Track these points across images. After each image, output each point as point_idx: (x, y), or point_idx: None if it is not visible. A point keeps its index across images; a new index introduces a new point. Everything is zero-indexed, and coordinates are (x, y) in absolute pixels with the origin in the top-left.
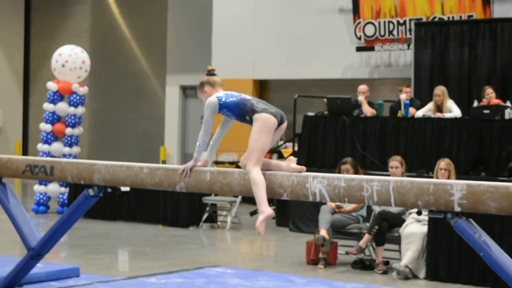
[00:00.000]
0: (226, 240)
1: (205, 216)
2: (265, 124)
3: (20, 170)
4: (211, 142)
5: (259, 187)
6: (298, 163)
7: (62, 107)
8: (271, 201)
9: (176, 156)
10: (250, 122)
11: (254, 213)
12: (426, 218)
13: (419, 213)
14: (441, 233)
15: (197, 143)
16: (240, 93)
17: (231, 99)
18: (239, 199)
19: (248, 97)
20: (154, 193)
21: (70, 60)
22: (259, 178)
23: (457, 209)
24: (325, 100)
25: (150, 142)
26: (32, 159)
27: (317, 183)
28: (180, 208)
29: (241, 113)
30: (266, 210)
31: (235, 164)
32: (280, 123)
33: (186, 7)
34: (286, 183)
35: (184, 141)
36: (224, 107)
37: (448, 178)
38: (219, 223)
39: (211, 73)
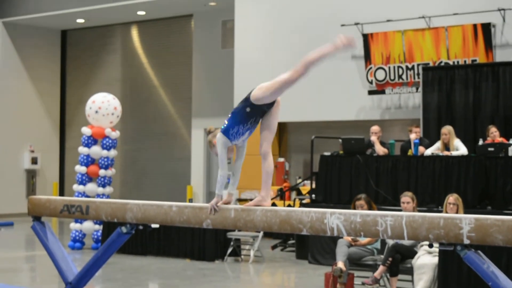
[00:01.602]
0: (249, 272)
1: (229, 250)
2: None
3: (58, 210)
4: (230, 177)
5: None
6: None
7: (96, 150)
8: (291, 235)
9: (202, 195)
10: (254, 109)
11: (275, 246)
12: (437, 250)
13: (430, 245)
14: (451, 264)
15: (217, 180)
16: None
17: (227, 121)
18: (261, 234)
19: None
20: (181, 229)
21: (103, 107)
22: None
23: (466, 241)
24: (340, 140)
25: (177, 181)
26: (69, 199)
27: (335, 218)
28: (206, 243)
29: (242, 114)
30: (266, 200)
31: None
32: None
33: (210, 55)
34: (305, 219)
35: (209, 180)
36: (229, 130)
37: (457, 212)
38: (242, 256)
39: (211, 132)
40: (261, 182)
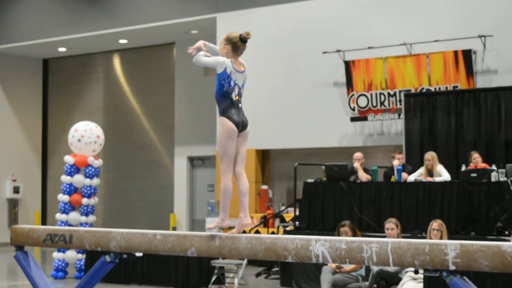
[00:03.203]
0: None
1: (213, 278)
2: (224, 130)
3: (41, 239)
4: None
5: (226, 196)
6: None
7: (79, 179)
8: (275, 263)
9: (185, 223)
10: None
11: (259, 274)
12: (422, 276)
13: (416, 272)
14: None
15: None
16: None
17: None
18: (245, 261)
19: (233, 96)
20: (165, 257)
21: (85, 135)
22: (227, 186)
23: (452, 267)
24: (323, 167)
25: (160, 209)
26: (52, 228)
27: (320, 245)
28: (190, 271)
29: (220, 98)
30: (225, 221)
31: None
32: (241, 130)
33: (192, 83)
34: (290, 246)
35: (193, 208)
36: (217, 78)
37: (441, 238)
38: (227, 284)
39: (244, 38)
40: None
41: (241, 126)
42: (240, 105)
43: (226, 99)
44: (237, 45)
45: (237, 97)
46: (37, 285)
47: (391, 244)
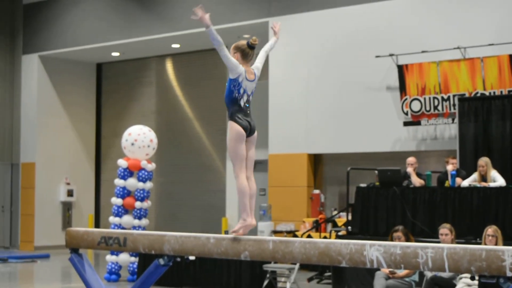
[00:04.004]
0: None
1: (265, 282)
2: (232, 134)
3: (96, 241)
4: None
5: (245, 196)
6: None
7: (132, 183)
8: (327, 267)
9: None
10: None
11: (311, 279)
12: (476, 282)
13: (472, 278)
14: None
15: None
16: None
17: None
18: (297, 266)
19: (241, 102)
20: (217, 261)
21: (139, 139)
22: (243, 186)
23: (509, 274)
24: (376, 172)
25: (212, 213)
26: (106, 231)
27: (374, 250)
28: (242, 275)
29: (229, 102)
30: (248, 220)
31: (292, 233)
32: (249, 135)
33: None
34: (344, 251)
35: None
36: (228, 83)
37: (496, 244)
38: None
39: (252, 45)
40: None
41: (249, 130)
42: (248, 111)
43: (235, 104)
44: (246, 51)
45: (245, 104)
46: (91, 287)
47: (447, 250)
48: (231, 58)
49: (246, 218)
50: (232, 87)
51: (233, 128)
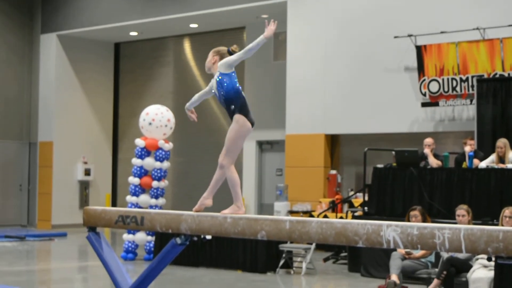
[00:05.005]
0: (301, 285)
1: (281, 262)
2: (242, 129)
3: (113, 220)
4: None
5: (238, 186)
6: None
7: (149, 162)
8: (343, 248)
9: (253, 207)
10: (232, 114)
11: (327, 259)
12: (493, 263)
13: (489, 259)
14: (507, 278)
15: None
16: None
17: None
18: (313, 246)
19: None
20: (234, 240)
21: (156, 119)
22: (236, 177)
23: None
24: (393, 152)
25: (228, 193)
26: (124, 210)
27: (391, 231)
28: (258, 255)
29: (235, 96)
30: (241, 208)
31: (309, 214)
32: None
33: (262, 68)
34: (361, 231)
35: (261, 192)
36: (228, 77)
37: None
38: (294, 268)
39: (232, 52)
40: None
41: (253, 125)
42: None
43: (240, 96)
44: (224, 57)
45: None
46: (108, 265)
47: (464, 231)
48: (235, 58)
49: (240, 206)
50: (235, 79)
51: (245, 125)
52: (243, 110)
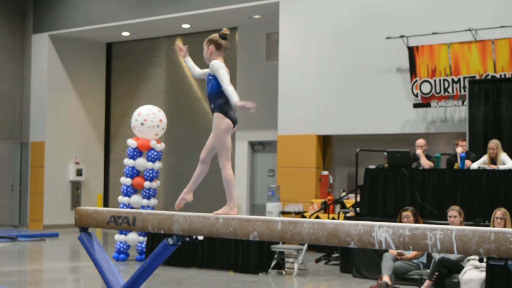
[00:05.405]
0: (293, 285)
1: (273, 263)
2: (221, 126)
3: (105, 220)
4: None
5: (233, 186)
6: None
7: (141, 162)
8: (335, 249)
9: (245, 207)
10: (212, 112)
11: (319, 260)
12: (484, 264)
13: (481, 260)
14: (498, 279)
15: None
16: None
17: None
18: (305, 247)
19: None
20: (225, 241)
21: (148, 119)
22: (231, 176)
23: None
24: (385, 153)
25: (220, 193)
26: (116, 210)
27: (383, 232)
28: (250, 256)
29: (216, 95)
30: (234, 209)
31: (301, 214)
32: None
33: (254, 68)
34: (353, 232)
35: (253, 193)
36: (214, 79)
37: (504, 226)
38: (286, 269)
39: (223, 35)
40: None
41: (235, 123)
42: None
43: (222, 96)
44: (219, 42)
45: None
46: (100, 266)
47: (456, 232)
48: (224, 75)
49: (232, 207)
50: (220, 81)
51: (224, 121)
52: (222, 109)
